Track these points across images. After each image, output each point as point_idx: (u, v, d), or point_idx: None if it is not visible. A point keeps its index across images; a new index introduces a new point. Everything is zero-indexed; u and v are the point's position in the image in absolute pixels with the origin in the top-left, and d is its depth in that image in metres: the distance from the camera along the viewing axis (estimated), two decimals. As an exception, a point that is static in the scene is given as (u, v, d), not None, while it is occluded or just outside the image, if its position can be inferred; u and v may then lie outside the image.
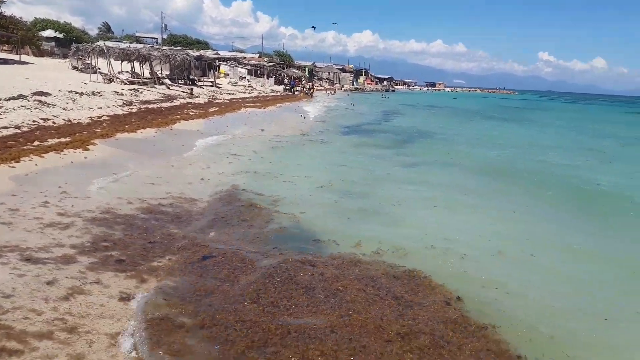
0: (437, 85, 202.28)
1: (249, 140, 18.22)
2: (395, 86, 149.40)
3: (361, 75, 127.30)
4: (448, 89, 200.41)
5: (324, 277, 6.15)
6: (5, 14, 48.48)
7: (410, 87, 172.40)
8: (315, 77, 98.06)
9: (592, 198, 12.72)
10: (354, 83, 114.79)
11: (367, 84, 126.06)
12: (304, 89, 63.56)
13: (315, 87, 70.25)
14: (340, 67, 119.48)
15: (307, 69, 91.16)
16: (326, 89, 79.42)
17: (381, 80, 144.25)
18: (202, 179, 11.08)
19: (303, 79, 78.94)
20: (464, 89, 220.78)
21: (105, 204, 8.27)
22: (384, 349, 4.68)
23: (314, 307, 5.40)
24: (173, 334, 4.55)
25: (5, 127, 13.19)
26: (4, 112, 14.87)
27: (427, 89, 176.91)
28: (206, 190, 10.07)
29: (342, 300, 5.58)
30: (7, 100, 16.61)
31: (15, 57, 40.06)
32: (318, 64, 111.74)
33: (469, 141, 24.45)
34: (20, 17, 52.42)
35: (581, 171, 16.66)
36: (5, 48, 45.39)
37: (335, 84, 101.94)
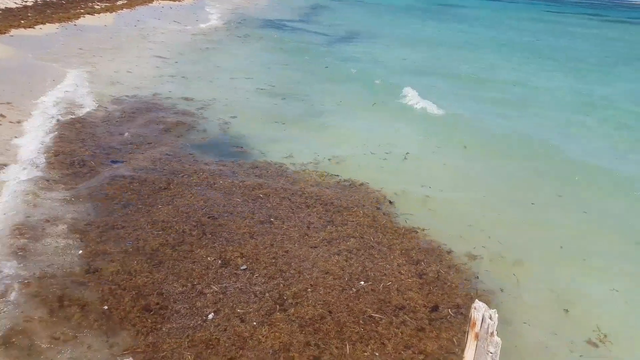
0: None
1: (165, 35, 17.46)
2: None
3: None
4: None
5: (244, 184, 6.22)
6: None
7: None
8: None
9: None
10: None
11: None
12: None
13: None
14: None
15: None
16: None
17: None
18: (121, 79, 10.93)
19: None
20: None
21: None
22: (309, 253, 4.86)
23: (232, 210, 5.56)
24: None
25: None
26: None
27: None
28: (127, 95, 9.95)
29: (263, 207, 5.68)
30: None
31: None
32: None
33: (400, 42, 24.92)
34: None
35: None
36: None
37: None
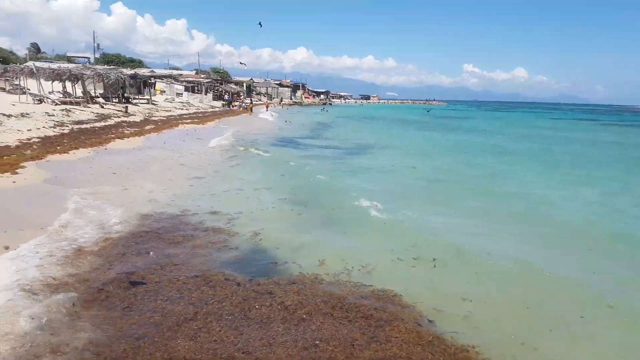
0: (371, 97, 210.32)
1: (188, 156, 18.49)
2: (332, 99, 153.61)
3: (298, 89, 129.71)
4: (382, 101, 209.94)
5: (284, 306, 5.88)
6: None
7: (346, 100, 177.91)
8: (254, 92, 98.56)
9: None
10: (292, 97, 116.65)
11: (305, 97, 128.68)
12: (243, 104, 63.95)
13: (254, 102, 70.79)
14: (278, 82, 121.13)
15: (245, 84, 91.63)
16: (265, 104, 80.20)
17: (318, 94, 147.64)
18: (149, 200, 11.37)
19: (241, 94, 79.20)
20: (396, 100, 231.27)
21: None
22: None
23: (272, 340, 5.07)
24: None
25: None
26: None
27: (362, 102, 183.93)
28: (154, 210, 10.21)
29: (307, 330, 5.31)
30: None
31: None
32: (256, 80, 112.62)
33: (409, 151, 26.16)
34: None
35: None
36: None
37: (274, 98, 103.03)
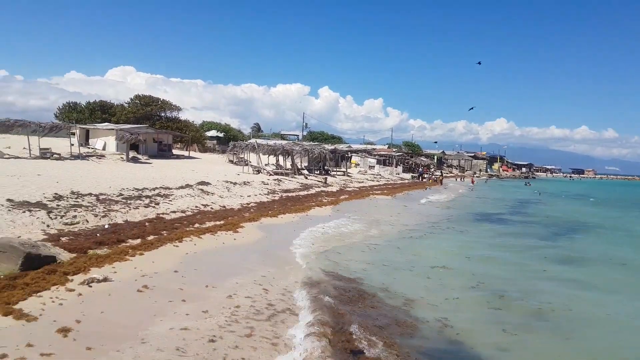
0: (585, 172, 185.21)
1: (372, 227, 18.80)
2: (535, 173, 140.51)
3: (495, 162, 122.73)
4: (599, 176, 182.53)
5: None
6: (182, 118, 59.91)
7: (554, 174, 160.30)
8: (445, 165, 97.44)
9: None
10: (488, 170, 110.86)
11: (503, 170, 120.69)
12: (432, 176, 63.51)
13: (444, 175, 69.63)
14: (472, 155, 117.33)
15: (435, 157, 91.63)
16: (456, 176, 78.03)
17: (519, 166, 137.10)
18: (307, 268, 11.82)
19: (432, 166, 79.12)
20: (618, 176, 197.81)
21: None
22: None
23: None
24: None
25: (174, 212, 15.94)
26: (174, 198, 18.00)
27: (571, 177, 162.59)
28: (334, 278, 10.57)
29: None
30: (177, 189, 20.10)
31: (185, 153, 48.17)
32: (447, 152, 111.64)
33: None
34: (192, 121, 64.64)
35: None
36: (178, 146, 55.04)
37: (467, 170, 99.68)
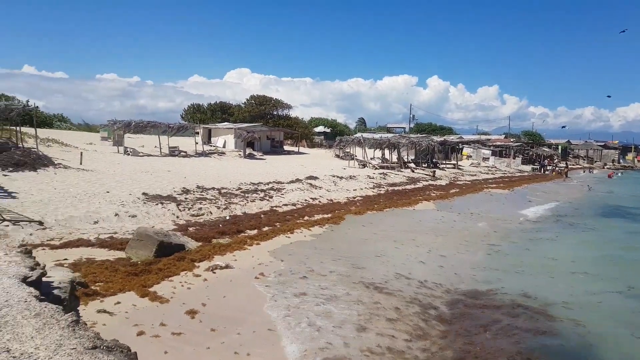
0: None
1: (492, 224, 17.66)
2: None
3: (630, 151, 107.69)
4: None
5: None
6: (292, 115, 62.75)
7: None
8: (571, 155, 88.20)
9: None
10: (620, 160, 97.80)
11: (638, 161, 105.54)
12: (557, 168, 57.93)
13: (570, 166, 63.05)
14: (602, 144, 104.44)
15: (560, 147, 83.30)
16: (584, 168, 70.13)
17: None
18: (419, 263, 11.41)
19: (555, 157, 72.16)
20: None
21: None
22: None
23: None
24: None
25: (286, 204, 16.73)
26: (286, 192, 18.88)
27: None
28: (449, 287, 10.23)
29: None
30: (288, 183, 21.04)
31: (295, 149, 50.24)
32: (573, 142, 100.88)
33: None
34: (302, 118, 67.43)
35: None
36: (289, 142, 57.66)
37: (596, 161, 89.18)
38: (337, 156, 43.96)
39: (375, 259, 10.63)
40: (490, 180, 36.90)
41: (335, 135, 59.23)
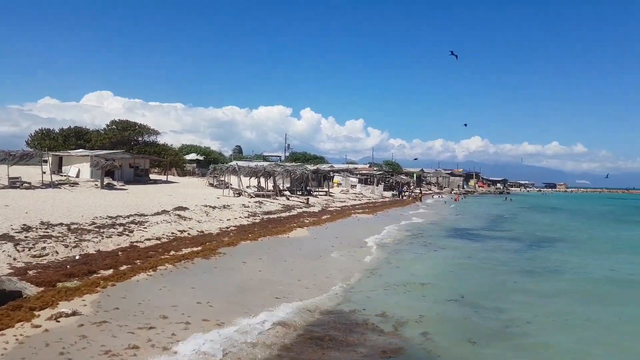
0: (557, 186, 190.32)
1: (358, 245, 18.50)
2: (509, 188, 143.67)
3: (471, 178, 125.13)
4: (570, 189, 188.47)
5: None
6: (160, 142, 59.27)
7: (527, 189, 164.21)
8: (424, 182, 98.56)
9: None
10: (464, 186, 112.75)
11: (479, 186, 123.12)
12: (412, 194, 64.08)
13: (423, 192, 70.32)
14: (449, 172, 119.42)
15: (415, 174, 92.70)
16: (434, 193, 78.98)
17: (494, 182, 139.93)
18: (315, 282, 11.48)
19: (411, 184, 79.85)
20: (588, 189, 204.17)
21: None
22: None
23: None
24: None
25: (149, 239, 15.34)
26: (149, 225, 17.41)
27: (541, 190, 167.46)
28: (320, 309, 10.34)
29: None
30: (152, 215, 19.52)
31: (163, 178, 47.36)
32: (426, 170, 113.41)
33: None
34: (171, 144, 63.96)
35: None
36: (156, 170, 54.15)
37: (444, 187, 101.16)
38: (211, 185, 42.61)
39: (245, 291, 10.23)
40: (357, 206, 39.15)
41: (209, 163, 57.52)
